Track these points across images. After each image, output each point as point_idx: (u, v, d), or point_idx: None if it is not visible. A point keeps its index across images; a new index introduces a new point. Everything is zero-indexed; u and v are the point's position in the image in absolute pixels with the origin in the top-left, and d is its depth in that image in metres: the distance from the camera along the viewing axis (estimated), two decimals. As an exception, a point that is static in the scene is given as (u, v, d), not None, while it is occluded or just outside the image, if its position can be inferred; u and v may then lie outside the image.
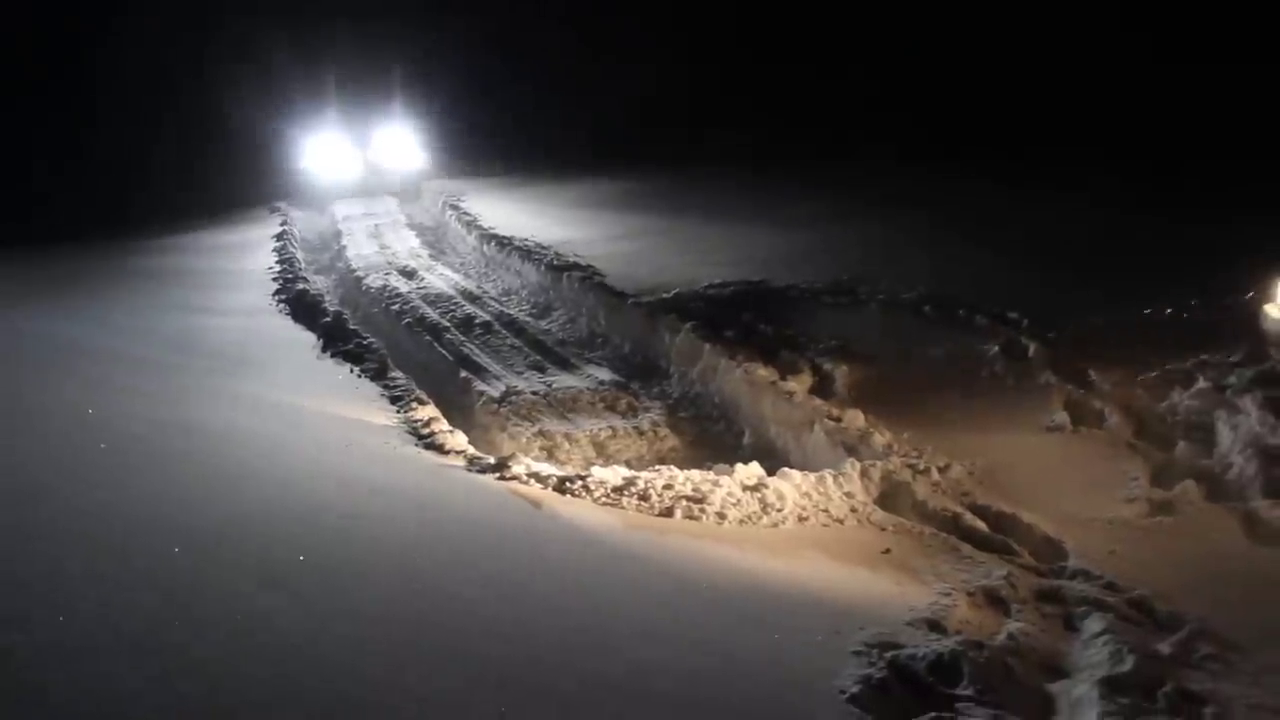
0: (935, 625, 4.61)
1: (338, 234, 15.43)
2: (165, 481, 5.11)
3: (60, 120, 20.04)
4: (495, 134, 19.95)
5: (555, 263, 12.03)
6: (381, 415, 7.44)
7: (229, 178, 18.02)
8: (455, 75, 20.83)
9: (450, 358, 9.76)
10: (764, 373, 8.27)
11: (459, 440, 6.96)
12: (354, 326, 10.00)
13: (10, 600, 3.32)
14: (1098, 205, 12.78)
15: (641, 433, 8.02)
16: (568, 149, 19.27)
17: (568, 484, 6.11)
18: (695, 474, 6.38)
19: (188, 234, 15.54)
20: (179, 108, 19.94)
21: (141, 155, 18.91)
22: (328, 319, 10.22)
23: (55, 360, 7.94)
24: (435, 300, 11.72)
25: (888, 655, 4.18)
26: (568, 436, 7.94)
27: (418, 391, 8.01)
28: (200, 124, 19.37)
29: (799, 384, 8.14)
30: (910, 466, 6.53)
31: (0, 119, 19.27)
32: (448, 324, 10.80)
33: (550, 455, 7.57)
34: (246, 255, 13.79)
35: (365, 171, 18.18)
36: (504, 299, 11.82)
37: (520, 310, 11.35)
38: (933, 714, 3.85)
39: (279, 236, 14.63)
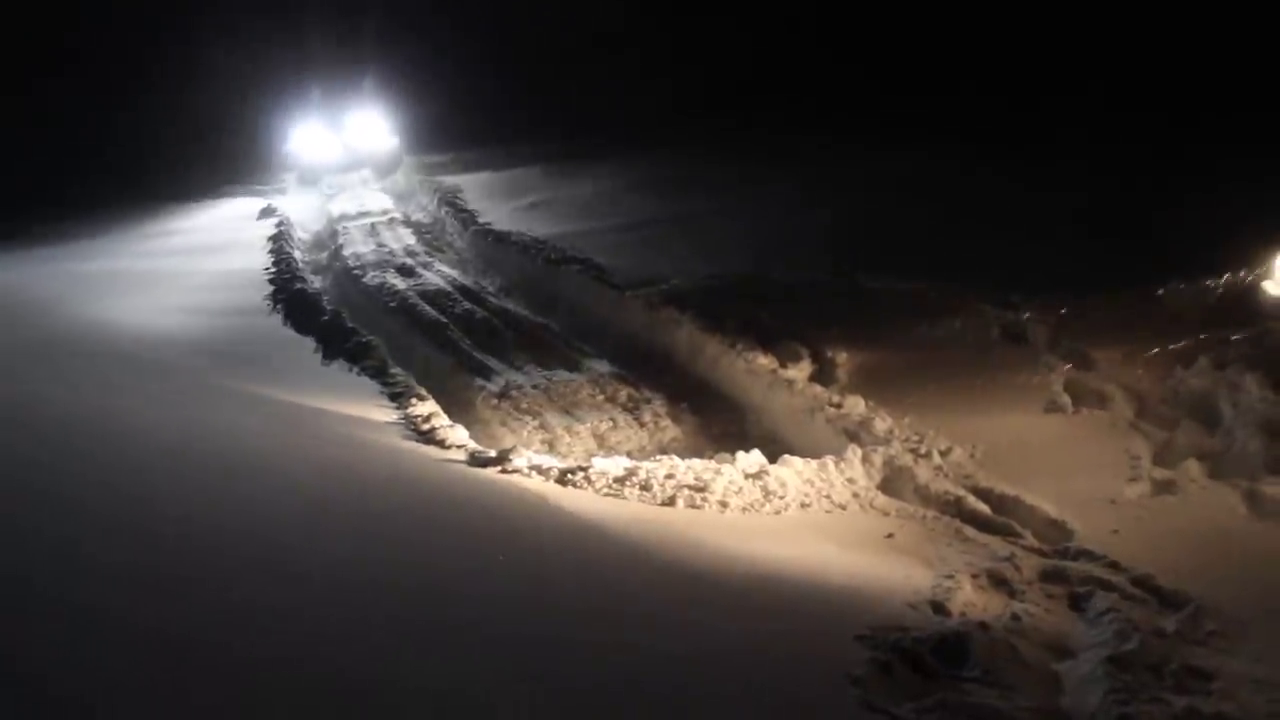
0: (939, 607, 4.61)
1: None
2: (165, 477, 5.10)
3: (52, 110, 20.29)
4: (482, 120, 20.05)
5: (553, 257, 12.02)
6: (381, 411, 7.43)
7: (218, 161, 18.67)
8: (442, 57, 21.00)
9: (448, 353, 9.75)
10: (764, 361, 8.26)
11: (459, 435, 6.95)
12: (352, 325, 10.00)
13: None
14: (1095, 173, 12.52)
15: (643, 424, 8.00)
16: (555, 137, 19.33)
17: (569, 476, 6.11)
18: (697, 463, 6.37)
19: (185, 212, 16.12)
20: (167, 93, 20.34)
21: (133, 143, 19.31)
22: (325, 317, 10.22)
23: (47, 360, 7.91)
24: (432, 293, 11.67)
25: (892, 638, 4.17)
26: (569, 429, 7.93)
27: (417, 388, 8.01)
28: (192, 112, 19.78)
29: (799, 372, 8.14)
30: (912, 451, 6.52)
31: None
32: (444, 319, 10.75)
33: (552, 448, 7.56)
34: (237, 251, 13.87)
35: (345, 154, 19.12)
36: (502, 295, 11.78)
37: (519, 305, 11.31)
38: (940, 695, 3.84)
39: (274, 235, 14.69)
